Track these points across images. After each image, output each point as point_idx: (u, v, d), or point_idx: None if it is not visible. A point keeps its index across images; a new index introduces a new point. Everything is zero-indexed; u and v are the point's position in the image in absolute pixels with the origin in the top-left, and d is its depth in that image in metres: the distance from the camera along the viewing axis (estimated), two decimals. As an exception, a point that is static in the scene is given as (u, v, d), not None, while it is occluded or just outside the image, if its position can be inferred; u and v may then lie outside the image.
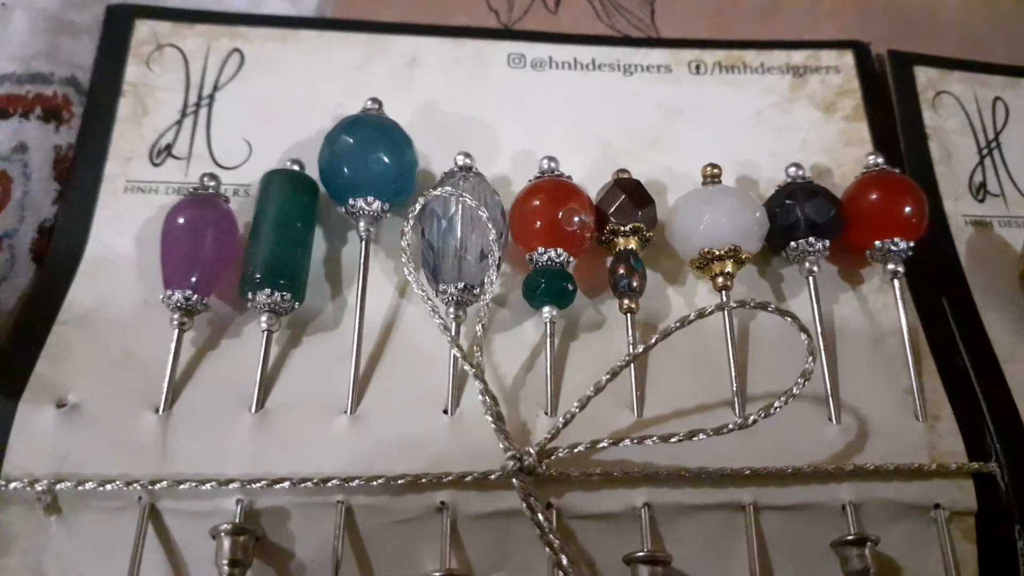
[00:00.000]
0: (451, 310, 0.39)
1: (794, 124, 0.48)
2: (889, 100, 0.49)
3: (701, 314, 0.36)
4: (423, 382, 0.38)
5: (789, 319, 0.36)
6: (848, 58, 0.50)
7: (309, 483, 0.35)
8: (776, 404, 0.35)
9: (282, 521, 0.36)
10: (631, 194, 0.41)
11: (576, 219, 0.40)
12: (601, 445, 0.36)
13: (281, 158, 0.43)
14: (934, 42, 0.52)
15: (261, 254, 0.39)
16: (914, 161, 0.48)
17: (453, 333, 0.38)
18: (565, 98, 0.48)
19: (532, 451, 0.35)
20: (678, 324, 0.36)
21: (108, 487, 0.35)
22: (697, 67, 0.49)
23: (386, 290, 0.41)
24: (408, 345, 0.40)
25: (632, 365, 0.38)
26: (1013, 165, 0.48)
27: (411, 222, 0.38)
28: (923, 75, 0.50)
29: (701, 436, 0.35)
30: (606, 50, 0.50)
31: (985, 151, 0.48)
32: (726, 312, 0.39)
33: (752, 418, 0.35)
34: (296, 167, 0.42)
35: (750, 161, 0.46)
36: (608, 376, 0.36)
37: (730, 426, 0.35)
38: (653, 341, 0.36)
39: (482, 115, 0.47)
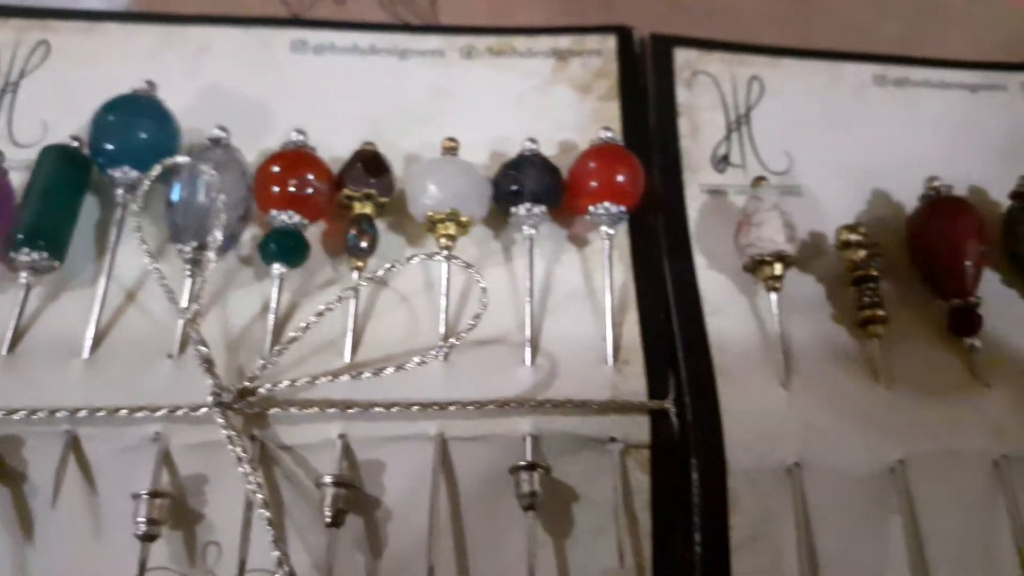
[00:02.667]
0: (188, 268, 0.43)
1: (551, 104, 0.52)
2: (645, 81, 0.53)
3: (389, 269, 0.42)
4: (159, 331, 0.43)
5: (472, 270, 0.41)
6: (611, 42, 0.55)
7: (40, 413, 0.40)
8: (441, 346, 0.40)
9: (18, 448, 0.40)
10: (366, 163, 0.46)
11: (302, 184, 0.44)
12: (300, 382, 0.41)
13: (72, 137, 0.48)
14: (704, 26, 0.56)
15: (25, 218, 0.44)
16: (662, 137, 0.52)
17: (194, 287, 0.43)
18: (342, 80, 0.53)
19: (232, 388, 0.40)
20: (370, 277, 0.42)
21: None
22: (469, 52, 0.54)
23: (142, 252, 0.45)
24: (152, 299, 0.44)
25: (354, 316, 0.43)
26: (760, 139, 0.53)
27: (146, 185, 0.43)
28: (682, 56, 0.55)
29: (388, 370, 0.40)
30: (385, 36, 0.54)
31: (734, 126, 0.53)
32: (447, 267, 0.44)
33: (417, 360, 0.40)
34: (76, 143, 0.47)
35: (505, 138, 0.51)
36: (313, 320, 0.41)
37: (416, 361, 0.40)
38: (350, 289, 0.41)
39: (264, 97, 0.52)
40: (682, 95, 0.53)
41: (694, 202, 0.50)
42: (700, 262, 0.48)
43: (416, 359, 0.40)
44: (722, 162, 0.52)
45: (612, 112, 0.52)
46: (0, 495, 0.41)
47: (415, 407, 0.41)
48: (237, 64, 0.53)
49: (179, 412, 0.40)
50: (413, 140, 0.50)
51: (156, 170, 0.44)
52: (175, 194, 0.44)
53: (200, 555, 0.41)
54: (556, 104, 0.52)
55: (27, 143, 0.49)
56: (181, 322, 0.43)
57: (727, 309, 0.46)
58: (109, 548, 0.41)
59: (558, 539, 0.42)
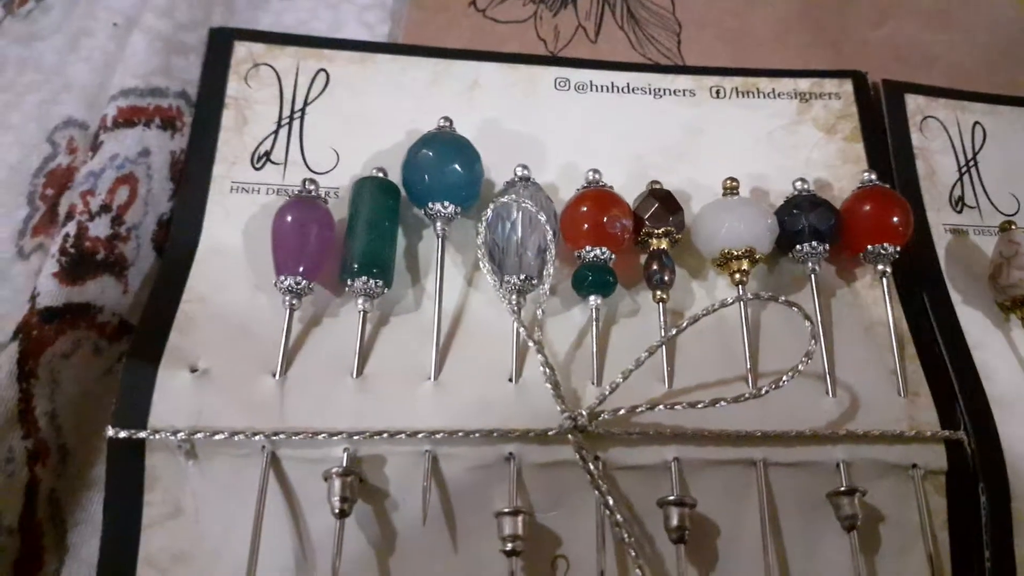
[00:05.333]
0: (513, 297, 0.46)
1: (800, 143, 0.56)
2: (882, 123, 0.57)
3: (724, 304, 0.45)
4: (490, 356, 0.46)
5: (795, 309, 0.45)
6: (848, 86, 0.58)
7: (403, 435, 0.43)
8: (784, 378, 0.43)
9: (380, 467, 0.43)
10: (663, 202, 0.49)
11: (618, 224, 0.48)
12: (640, 409, 0.44)
13: (365, 166, 0.51)
14: (923, 73, 0.60)
15: (358, 247, 0.47)
16: (903, 177, 0.56)
17: (535, 316, 0.46)
18: (603, 117, 0.56)
19: (584, 413, 0.43)
20: (705, 312, 0.45)
21: (236, 437, 0.42)
22: (717, 92, 0.57)
23: (456, 280, 0.49)
24: (477, 325, 0.47)
25: (664, 345, 0.46)
26: (987, 181, 0.57)
27: (485, 224, 0.46)
28: (912, 102, 0.58)
29: (722, 403, 0.44)
30: (639, 76, 0.57)
31: (964, 169, 0.57)
32: (742, 303, 0.47)
33: (764, 389, 0.43)
34: (381, 175, 0.49)
35: (762, 175, 0.54)
36: (647, 353, 0.44)
37: (746, 395, 0.44)
38: (684, 325, 0.45)
39: (533, 131, 0.55)
40: (916, 138, 0.57)
41: (940, 240, 0.54)
42: (955, 298, 0.51)
43: (747, 393, 0.44)
44: (959, 203, 0.55)
45: (857, 153, 0.56)
46: (364, 511, 0.43)
47: (739, 435, 0.44)
48: (506, 99, 0.56)
49: (531, 434, 0.43)
50: (676, 177, 0.54)
51: (488, 214, 0.46)
52: (497, 229, 0.47)
53: (550, 568, 0.44)
54: (804, 143, 0.56)
55: (322, 170, 0.52)
56: (514, 348, 0.45)
57: (986, 343, 0.50)
58: (467, 561, 0.43)
59: (868, 556, 0.45)
